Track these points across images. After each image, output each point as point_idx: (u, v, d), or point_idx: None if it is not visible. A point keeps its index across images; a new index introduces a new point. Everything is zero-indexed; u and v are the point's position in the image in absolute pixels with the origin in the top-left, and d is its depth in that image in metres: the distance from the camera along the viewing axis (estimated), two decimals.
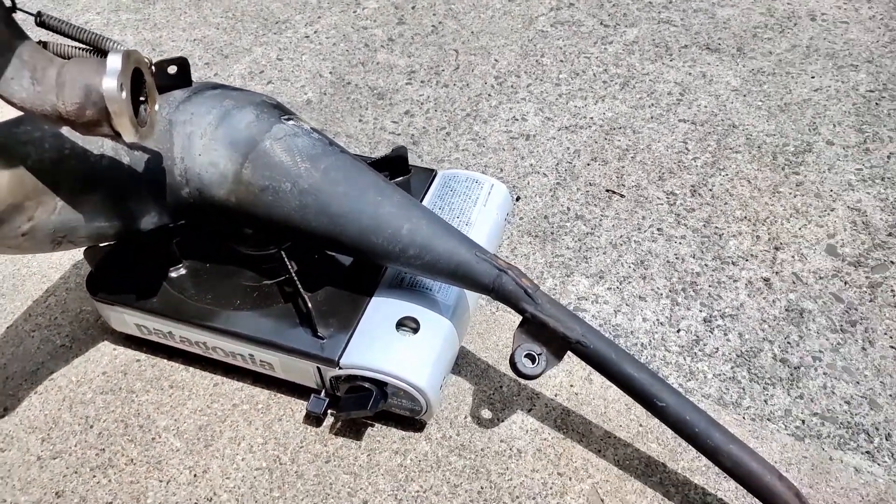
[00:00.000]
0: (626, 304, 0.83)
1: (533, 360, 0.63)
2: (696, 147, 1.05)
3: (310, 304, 0.68)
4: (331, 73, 1.29)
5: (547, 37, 1.33)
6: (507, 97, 1.19)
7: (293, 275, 0.71)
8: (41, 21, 0.56)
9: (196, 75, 0.86)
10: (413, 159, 1.02)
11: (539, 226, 0.94)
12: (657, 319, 0.82)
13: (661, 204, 0.96)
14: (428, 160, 1.06)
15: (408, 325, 0.69)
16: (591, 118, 1.12)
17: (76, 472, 0.69)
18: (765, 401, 0.73)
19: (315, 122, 1.16)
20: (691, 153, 1.04)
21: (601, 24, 1.36)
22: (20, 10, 0.55)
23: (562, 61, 1.26)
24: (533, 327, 0.63)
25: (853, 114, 1.11)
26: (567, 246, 0.91)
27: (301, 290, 0.69)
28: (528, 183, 1.01)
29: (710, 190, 0.98)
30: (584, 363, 0.63)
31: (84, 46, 0.57)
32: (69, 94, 0.51)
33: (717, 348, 0.78)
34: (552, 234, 0.93)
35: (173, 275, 0.76)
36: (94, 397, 0.76)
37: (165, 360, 0.79)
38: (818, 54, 1.25)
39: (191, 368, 0.78)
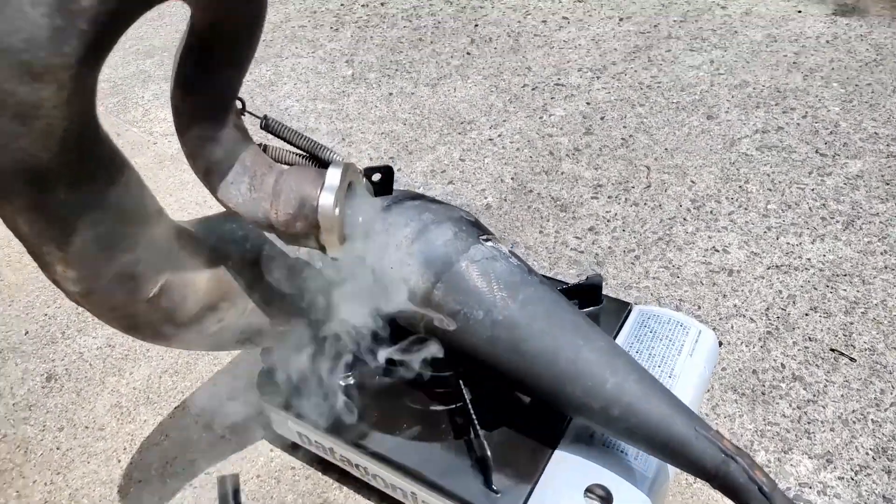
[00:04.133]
0: None
1: None
2: None
3: (487, 450, 0.60)
4: (512, 178, 1.25)
5: (752, 161, 1.22)
6: (705, 224, 1.08)
7: (469, 407, 0.63)
8: (266, 125, 0.55)
9: None
10: None
11: (746, 382, 0.80)
12: None
13: None
14: (614, 285, 0.97)
15: (596, 493, 0.58)
16: (808, 259, 0.98)
17: None
18: None
19: (493, 228, 1.11)
20: None
21: (816, 152, 1.22)
22: (249, 112, 0.54)
23: (770, 190, 1.14)
24: None
25: None
26: (783, 413, 0.76)
27: (478, 428, 0.62)
28: (732, 327, 0.88)
29: None
30: None
31: (302, 153, 0.56)
32: (283, 205, 0.48)
33: None
34: (763, 394, 0.78)
35: (342, 384, 0.72)
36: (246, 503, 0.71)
37: (320, 474, 0.74)
38: None
39: (344, 488, 0.72)
